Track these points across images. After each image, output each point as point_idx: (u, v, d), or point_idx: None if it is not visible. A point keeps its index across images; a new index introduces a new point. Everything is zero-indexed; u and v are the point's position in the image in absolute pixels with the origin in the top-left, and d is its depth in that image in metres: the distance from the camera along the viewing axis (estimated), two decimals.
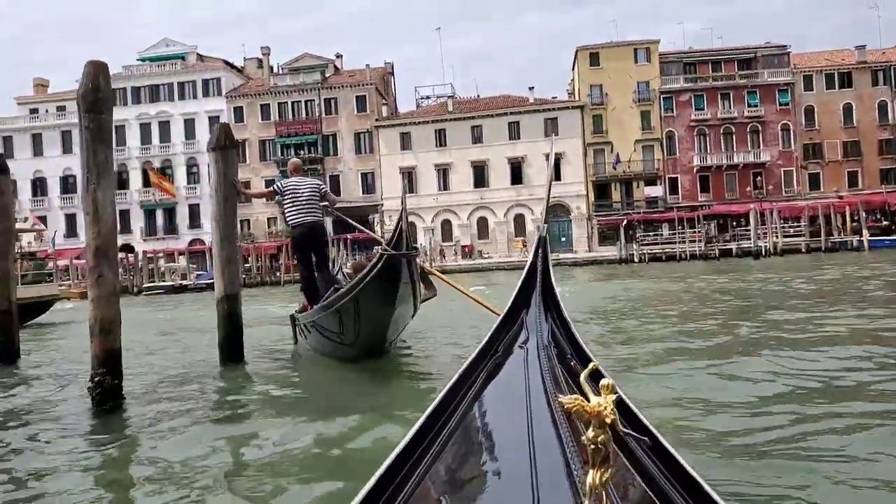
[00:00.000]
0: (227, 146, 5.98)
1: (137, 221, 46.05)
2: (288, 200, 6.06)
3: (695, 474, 0.92)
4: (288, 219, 6.14)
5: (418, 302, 5.51)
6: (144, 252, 38.54)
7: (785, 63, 42.00)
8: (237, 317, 5.89)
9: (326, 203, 6.37)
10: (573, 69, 45.35)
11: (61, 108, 47.06)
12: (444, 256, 40.01)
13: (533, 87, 44.16)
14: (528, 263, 2.38)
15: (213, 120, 42.35)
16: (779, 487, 2.48)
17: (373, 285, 4.78)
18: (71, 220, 45.34)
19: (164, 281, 35.39)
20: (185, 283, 33.86)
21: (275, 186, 6.27)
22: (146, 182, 44.00)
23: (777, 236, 33.86)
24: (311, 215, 6.07)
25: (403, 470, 1.09)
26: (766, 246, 32.70)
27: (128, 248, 42.73)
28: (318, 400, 4.67)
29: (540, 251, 2.41)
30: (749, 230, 34.84)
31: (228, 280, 5.91)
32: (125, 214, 46.13)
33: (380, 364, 5.49)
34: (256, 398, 4.75)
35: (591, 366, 0.91)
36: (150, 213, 46.11)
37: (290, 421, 3.95)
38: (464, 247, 41.82)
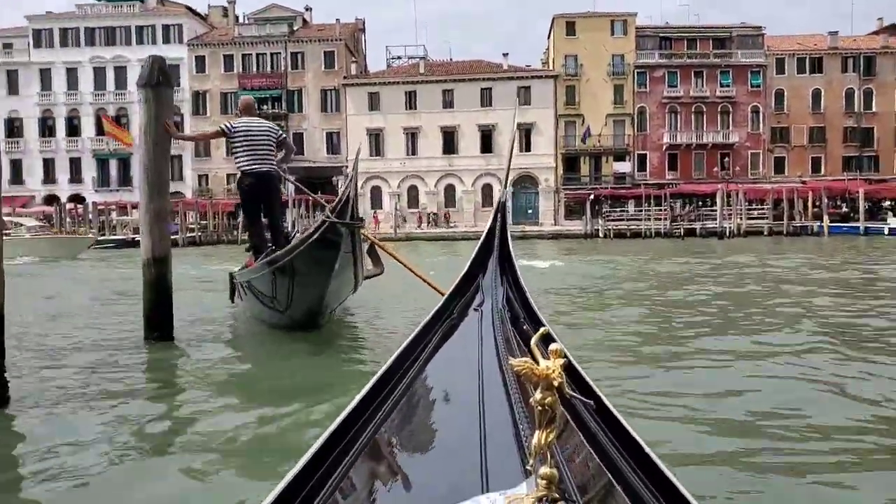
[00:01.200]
0: (160, 83, 5.19)
1: (89, 171, 43.86)
2: (239, 143, 5.46)
3: (635, 435, 0.96)
4: (238, 164, 5.52)
5: (361, 277, 5.18)
6: (95, 204, 36.67)
7: (759, 44, 41.95)
8: (166, 283, 5.18)
9: (283, 151, 5.76)
10: (549, 38, 44.44)
11: (7, 46, 44.17)
12: (424, 223, 39.46)
13: (507, 54, 43.20)
14: (487, 228, 2.43)
15: (174, 69, 40.15)
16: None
17: (310, 252, 4.55)
18: (16, 165, 42.93)
19: (115, 235, 33.77)
20: (137, 237, 32.30)
21: (223, 127, 5.57)
22: (100, 130, 41.64)
23: (741, 218, 34.21)
24: (265, 164, 5.48)
25: (352, 431, 1.08)
26: (730, 227, 33.03)
27: (77, 199, 40.70)
28: (255, 380, 4.27)
29: (499, 216, 2.42)
30: (715, 210, 35.08)
31: (157, 239, 5.18)
32: (76, 163, 43.91)
33: (321, 335, 5.18)
34: (182, 381, 4.20)
35: (541, 330, 0.92)
36: (103, 163, 43.89)
37: (219, 405, 3.53)
38: (434, 213, 41.11)
